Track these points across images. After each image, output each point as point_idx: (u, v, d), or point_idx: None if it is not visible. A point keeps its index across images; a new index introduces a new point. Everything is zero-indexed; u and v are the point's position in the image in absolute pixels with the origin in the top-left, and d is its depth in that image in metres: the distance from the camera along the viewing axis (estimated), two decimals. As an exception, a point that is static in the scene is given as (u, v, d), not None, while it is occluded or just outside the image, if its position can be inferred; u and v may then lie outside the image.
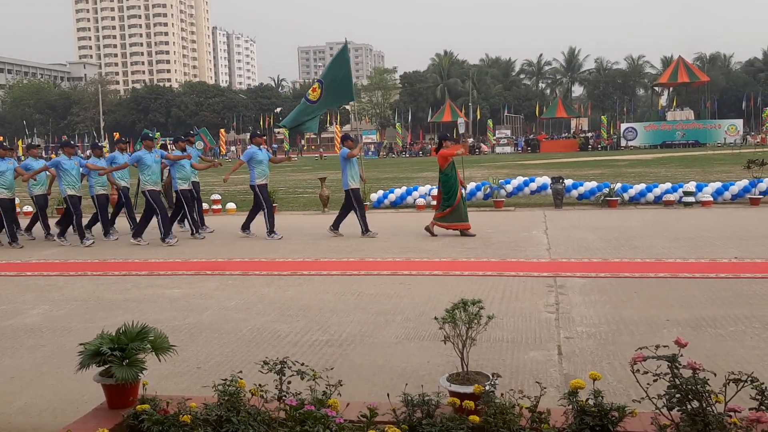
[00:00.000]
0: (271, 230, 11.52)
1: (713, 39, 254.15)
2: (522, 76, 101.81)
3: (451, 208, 10.97)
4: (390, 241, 10.80)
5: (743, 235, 10.29)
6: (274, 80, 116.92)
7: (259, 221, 11.90)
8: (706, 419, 2.68)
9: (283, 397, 3.10)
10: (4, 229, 11.83)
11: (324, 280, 8.05)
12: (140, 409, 3.15)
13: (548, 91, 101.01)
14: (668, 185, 14.98)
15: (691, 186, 14.71)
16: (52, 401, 4.38)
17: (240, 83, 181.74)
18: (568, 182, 15.36)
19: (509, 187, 15.88)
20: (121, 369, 3.36)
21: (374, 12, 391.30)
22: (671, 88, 74.83)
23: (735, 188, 14.71)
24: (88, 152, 12.21)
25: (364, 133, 72.92)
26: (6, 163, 11.80)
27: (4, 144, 12.69)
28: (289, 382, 3.17)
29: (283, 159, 15.04)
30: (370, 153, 63.15)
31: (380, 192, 16.50)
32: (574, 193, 15.38)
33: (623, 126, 61.13)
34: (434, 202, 15.40)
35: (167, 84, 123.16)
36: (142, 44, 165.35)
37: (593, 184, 15.46)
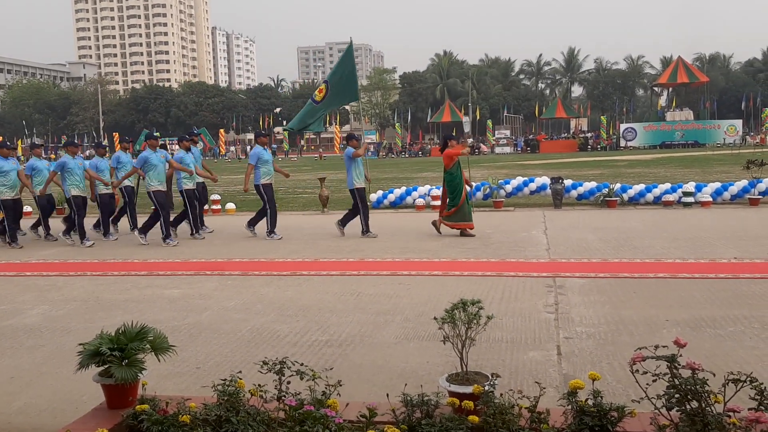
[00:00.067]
0: (271, 230, 11.51)
1: (713, 39, 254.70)
2: (521, 76, 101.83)
3: (456, 208, 10.97)
4: (389, 242, 10.81)
5: (742, 235, 10.30)
6: (274, 80, 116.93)
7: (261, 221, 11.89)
8: (706, 419, 2.68)
9: (283, 397, 3.10)
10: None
11: (323, 280, 8.05)
12: (140, 409, 3.15)
13: (548, 91, 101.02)
14: (667, 185, 14.98)
15: (690, 186, 14.71)
16: (52, 401, 4.38)
17: (239, 83, 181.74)
18: (568, 182, 15.36)
19: (509, 188, 15.89)
20: (120, 369, 3.36)
21: (374, 12, 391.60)
22: (671, 89, 74.87)
23: (734, 188, 14.71)
24: (87, 152, 12.18)
25: (365, 133, 72.87)
26: (9, 162, 11.80)
27: (8, 143, 12.68)
28: (289, 382, 3.17)
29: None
30: (369, 153, 63.16)
31: (380, 192, 16.50)
32: (574, 193, 15.39)
33: (623, 126, 61.15)
34: (434, 203, 15.49)
35: (167, 84, 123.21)
36: (141, 44, 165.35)
37: (593, 184, 15.46)
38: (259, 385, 3.22)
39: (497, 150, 61.65)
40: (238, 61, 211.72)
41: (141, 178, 12.14)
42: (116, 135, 69.91)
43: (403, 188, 16.58)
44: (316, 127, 13.50)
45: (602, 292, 6.83)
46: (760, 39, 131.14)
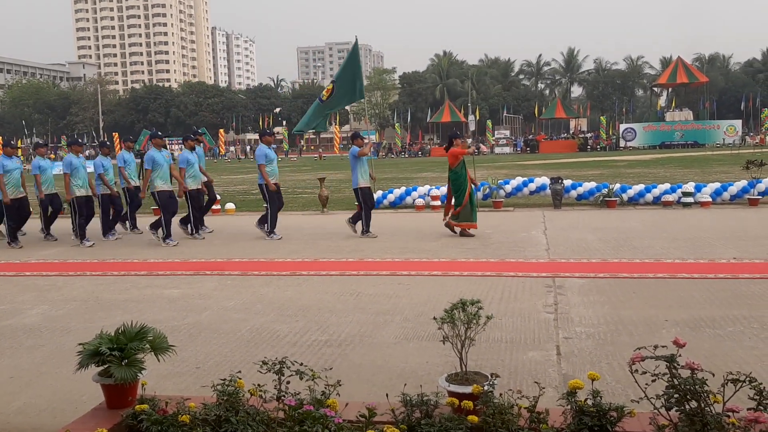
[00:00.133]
0: (271, 230, 11.51)
1: (712, 39, 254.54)
2: (521, 76, 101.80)
3: (461, 207, 10.97)
4: (389, 242, 10.81)
5: (742, 235, 10.30)
6: (274, 80, 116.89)
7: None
8: (705, 419, 2.68)
9: (282, 397, 3.10)
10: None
11: (323, 280, 8.06)
12: (139, 409, 3.16)
13: (547, 91, 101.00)
14: (667, 186, 14.98)
15: (689, 186, 14.72)
16: (51, 401, 4.38)
17: (239, 83, 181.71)
18: (567, 183, 15.36)
19: (508, 188, 15.89)
20: (120, 369, 3.37)
21: (373, 12, 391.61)
22: (670, 89, 74.87)
23: (734, 189, 14.72)
24: (88, 152, 12.15)
25: (364, 133, 72.84)
26: (13, 161, 11.79)
27: (12, 143, 12.67)
28: (288, 382, 3.17)
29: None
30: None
31: (379, 192, 16.49)
32: (573, 193, 15.39)
33: (622, 126, 61.15)
34: (434, 203, 15.50)
35: (166, 84, 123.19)
36: (141, 44, 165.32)
37: (592, 184, 15.47)
38: (259, 385, 3.22)
39: (497, 150, 61.66)
40: (238, 61, 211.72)
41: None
42: (116, 135, 70.00)
43: (403, 188, 16.58)
44: (320, 126, 13.54)
45: (602, 293, 6.83)
46: (760, 39, 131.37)
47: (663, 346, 2.95)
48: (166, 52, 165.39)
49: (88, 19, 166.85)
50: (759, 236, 10.15)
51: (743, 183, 14.76)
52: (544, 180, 15.69)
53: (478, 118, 78.34)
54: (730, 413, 2.69)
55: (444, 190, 15.83)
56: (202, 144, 12.97)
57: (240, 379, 3.23)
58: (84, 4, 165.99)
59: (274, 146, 12.25)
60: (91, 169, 12.11)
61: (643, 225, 11.84)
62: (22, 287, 8.21)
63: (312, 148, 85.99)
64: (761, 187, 14.47)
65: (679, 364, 2.81)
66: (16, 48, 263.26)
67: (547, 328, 5.64)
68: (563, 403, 3.00)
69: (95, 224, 12.17)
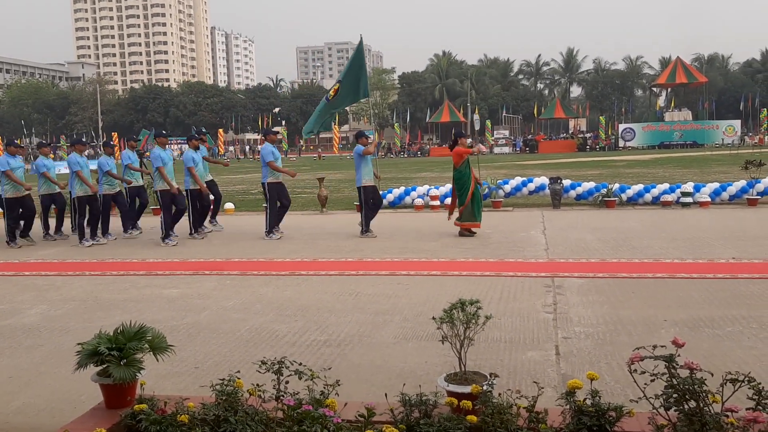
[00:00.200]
0: (270, 230, 11.50)
1: (712, 39, 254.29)
2: (520, 76, 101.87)
3: (463, 206, 10.98)
4: (388, 242, 10.81)
5: (741, 235, 10.31)
6: (273, 80, 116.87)
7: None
8: (703, 419, 2.68)
9: (281, 397, 3.10)
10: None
11: (322, 280, 8.06)
12: (138, 408, 3.15)
13: (546, 91, 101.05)
14: (666, 186, 14.99)
15: (689, 186, 14.72)
16: (50, 401, 4.38)
17: (238, 83, 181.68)
18: (566, 183, 15.36)
19: (507, 188, 15.89)
20: (118, 369, 3.36)
21: (373, 12, 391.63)
22: (669, 89, 74.90)
23: (733, 189, 14.73)
24: (87, 152, 12.27)
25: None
26: (17, 161, 11.79)
27: (15, 142, 12.66)
28: (287, 382, 3.17)
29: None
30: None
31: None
32: (572, 193, 15.39)
33: (621, 126, 61.14)
34: (432, 203, 15.50)
35: (165, 84, 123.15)
36: (140, 44, 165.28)
37: (591, 184, 15.47)
38: (258, 384, 3.22)
39: (496, 150, 61.65)
40: (237, 61, 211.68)
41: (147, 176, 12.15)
42: (115, 135, 69.96)
43: (402, 188, 16.58)
44: (326, 125, 13.60)
45: (601, 292, 6.84)
46: (759, 39, 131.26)
47: (662, 346, 2.95)
48: (166, 52, 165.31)
49: (87, 19, 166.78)
50: (758, 236, 10.15)
51: (742, 183, 14.77)
52: (543, 180, 15.70)
53: (478, 118, 78.40)
54: (728, 413, 2.69)
55: (443, 189, 15.87)
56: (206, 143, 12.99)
57: (239, 378, 3.23)
58: (83, 3, 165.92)
59: (275, 146, 12.23)
60: (93, 167, 12.10)
61: (642, 225, 11.85)
62: (21, 287, 8.21)
63: (311, 148, 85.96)
64: (760, 187, 14.48)
65: (677, 364, 2.81)
66: (15, 48, 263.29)
67: (546, 328, 5.64)
68: (562, 402, 3.00)
69: (117, 222, 12.48)
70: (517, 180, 16.12)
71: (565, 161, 38.19)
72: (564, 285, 7.25)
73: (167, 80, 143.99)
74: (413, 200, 15.82)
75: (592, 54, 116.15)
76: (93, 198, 11.73)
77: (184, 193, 11.79)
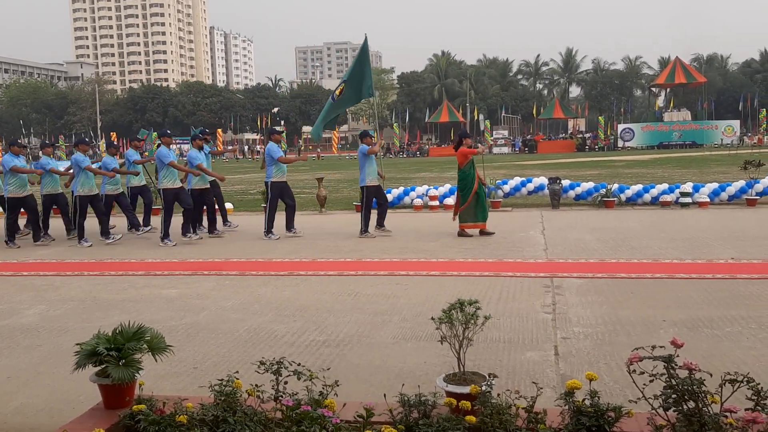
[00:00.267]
0: (268, 230, 11.49)
1: (712, 40, 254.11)
2: (519, 76, 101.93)
3: (465, 206, 10.98)
4: (387, 242, 10.80)
5: (740, 235, 10.31)
6: (272, 80, 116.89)
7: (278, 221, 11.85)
8: (702, 420, 2.68)
9: (280, 398, 3.10)
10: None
11: (321, 280, 8.05)
12: (136, 409, 3.15)
13: (546, 91, 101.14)
14: (665, 186, 15.00)
15: (688, 187, 14.73)
16: (49, 401, 4.38)
17: (237, 83, 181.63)
18: (566, 183, 15.37)
19: (506, 188, 15.90)
20: (117, 369, 3.36)
21: (372, 12, 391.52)
22: (668, 89, 74.92)
23: (732, 189, 14.74)
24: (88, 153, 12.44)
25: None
26: (21, 160, 11.78)
27: (19, 142, 12.66)
28: (286, 383, 3.17)
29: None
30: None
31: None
32: (571, 193, 15.40)
33: (620, 127, 61.21)
34: (431, 203, 15.50)
35: (164, 84, 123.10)
36: (139, 44, 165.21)
37: (590, 184, 15.48)
38: (257, 385, 3.22)
39: (495, 150, 61.66)
40: (236, 60, 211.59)
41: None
42: (113, 134, 69.93)
43: (401, 188, 16.57)
44: (331, 125, 13.66)
45: (600, 293, 6.84)
46: (758, 40, 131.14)
47: (661, 347, 2.95)
48: (164, 52, 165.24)
49: (86, 19, 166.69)
50: (757, 236, 10.16)
51: (741, 183, 14.78)
52: (543, 180, 15.70)
53: (477, 117, 78.43)
54: (727, 413, 2.69)
55: (442, 190, 15.89)
56: (210, 143, 13.01)
57: (237, 379, 3.22)
58: (82, 3, 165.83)
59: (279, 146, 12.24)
60: (96, 167, 12.11)
61: (641, 225, 11.85)
62: (19, 287, 8.20)
63: (310, 147, 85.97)
64: (759, 187, 14.49)
65: (676, 365, 2.81)
66: (14, 47, 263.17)
67: (545, 329, 5.64)
68: (561, 403, 3.00)
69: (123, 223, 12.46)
70: (516, 180, 16.13)
71: (564, 161, 38.21)
72: (563, 285, 7.25)
73: (166, 80, 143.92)
74: (412, 200, 15.82)
75: (591, 54, 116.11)
76: (96, 198, 11.74)
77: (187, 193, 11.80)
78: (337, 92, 12.85)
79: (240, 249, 10.62)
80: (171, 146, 11.85)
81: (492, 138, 65.45)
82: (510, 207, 15.28)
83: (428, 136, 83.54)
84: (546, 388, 4.03)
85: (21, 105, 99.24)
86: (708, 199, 14.47)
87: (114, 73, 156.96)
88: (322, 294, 7.21)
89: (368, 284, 7.62)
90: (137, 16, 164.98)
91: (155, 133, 58.44)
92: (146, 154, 13.80)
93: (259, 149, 75.49)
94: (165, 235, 11.22)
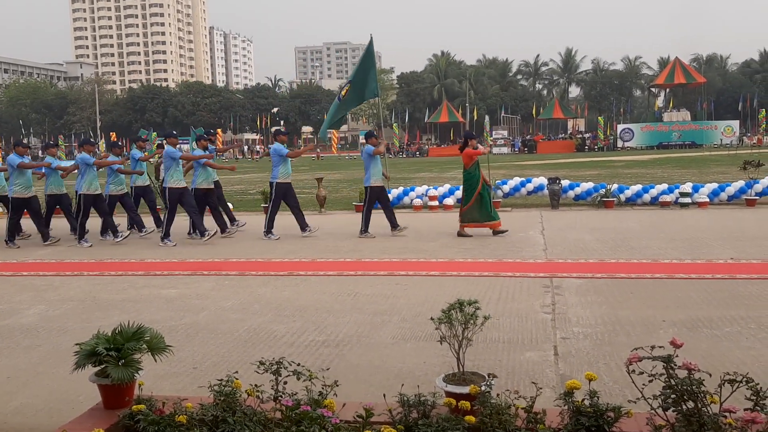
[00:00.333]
0: (268, 230, 11.49)
1: (712, 40, 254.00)
2: (519, 76, 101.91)
3: (467, 206, 10.97)
4: (387, 242, 10.81)
5: (739, 236, 10.32)
6: (271, 80, 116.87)
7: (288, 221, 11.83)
8: (702, 420, 2.68)
9: (279, 398, 3.10)
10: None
11: (321, 280, 8.05)
12: (136, 409, 3.15)
13: (545, 91, 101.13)
14: (665, 186, 15.00)
15: (687, 187, 14.74)
16: (48, 401, 4.38)
17: (237, 83, 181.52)
18: (565, 183, 15.37)
19: (506, 188, 15.90)
20: (116, 369, 3.36)
21: (372, 12, 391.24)
22: (668, 89, 74.97)
23: (731, 189, 14.74)
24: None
25: (361, 133, 72.89)
26: (26, 161, 11.76)
27: (24, 142, 12.64)
28: (285, 383, 3.17)
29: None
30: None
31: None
32: (571, 193, 15.40)
33: (620, 127, 61.19)
34: (431, 203, 15.50)
35: (164, 84, 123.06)
36: (138, 44, 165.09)
37: (590, 184, 15.49)
38: (256, 385, 3.22)
39: (495, 150, 61.60)
40: (236, 60, 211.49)
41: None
42: (113, 134, 69.89)
43: (401, 188, 16.57)
44: (337, 125, 13.73)
45: (599, 293, 6.84)
46: (758, 40, 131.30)
47: (660, 347, 2.95)
48: (164, 52, 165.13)
49: (85, 19, 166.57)
50: (756, 236, 10.16)
51: (741, 183, 14.79)
52: (542, 180, 15.71)
53: (476, 117, 78.42)
54: (726, 414, 2.69)
55: (442, 190, 15.89)
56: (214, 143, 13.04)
57: (237, 379, 3.23)
58: (81, 3, 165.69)
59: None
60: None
61: (640, 225, 11.86)
62: (19, 287, 8.20)
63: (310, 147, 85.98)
64: (758, 187, 14.50)
65: (676, 365, 2.81)
66: (13, 47, 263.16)
67: (545, 329, 5.64)
68: (560, 403, 3.00)
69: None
70: (516, 180, 16.14)
71: (563, 161, 38.21)
72: (562, 285, 7.25)
73: (165, 80, 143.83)
74: (412, 200, 15.82)
75: (590, 54, 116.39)
76: (99, 197, 11.75)
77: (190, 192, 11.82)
78: (343, 92, 12.87)
79: (240, 249, 10.62)
80: (176, 146, 11.86)
81: (491, 138, 65.46)
82: (509, 207, 15.27)
83: (428, 136, 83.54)
84: (545, 388, 4.03)
85: (21, 105, 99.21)
86: (707, 200, 14.48)
87: (113, 73, 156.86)
88: (322, 294, 7.21)
89: (368, 284, 7.62)
90: (137, 17, 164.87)
91: (154, 133, 58.56)
92: (146, 153, 13.77)
93: (258, 149, 75.53)
94: (165, 234, 11.22)
